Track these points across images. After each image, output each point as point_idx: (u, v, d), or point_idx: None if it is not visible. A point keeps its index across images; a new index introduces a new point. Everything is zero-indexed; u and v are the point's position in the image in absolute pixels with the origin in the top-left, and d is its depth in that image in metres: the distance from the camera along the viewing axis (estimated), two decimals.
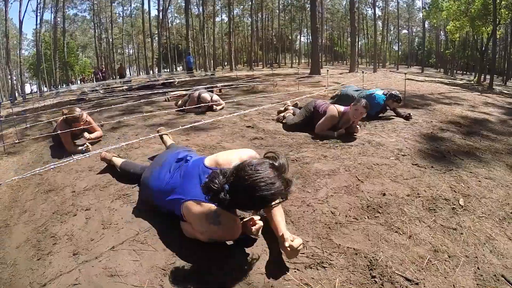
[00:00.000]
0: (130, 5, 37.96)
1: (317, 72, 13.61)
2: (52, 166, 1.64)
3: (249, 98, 5.88)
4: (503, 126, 4.14)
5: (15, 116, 5.83)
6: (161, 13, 31.35)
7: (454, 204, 1.88)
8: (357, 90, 4.84)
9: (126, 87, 9.86)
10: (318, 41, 15.51)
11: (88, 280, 1.28)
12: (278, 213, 1.42)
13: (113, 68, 33.63)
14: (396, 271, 1.28)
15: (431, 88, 8.31)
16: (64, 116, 3.12)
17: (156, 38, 33.03)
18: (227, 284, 1.23)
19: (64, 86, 27.61)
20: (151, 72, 33.60)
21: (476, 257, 1.45)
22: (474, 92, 7.73)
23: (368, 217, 1.70)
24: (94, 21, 33.74)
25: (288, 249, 1.22)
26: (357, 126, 3.44)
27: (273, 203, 1.16)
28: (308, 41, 38.09)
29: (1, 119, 4.74)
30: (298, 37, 47.21)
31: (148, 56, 36.19)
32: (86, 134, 3.22)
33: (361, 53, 42.91)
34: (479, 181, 2.25)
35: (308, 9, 30.45)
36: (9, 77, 24.55)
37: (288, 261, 1.33)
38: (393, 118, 4.19)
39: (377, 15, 35.09)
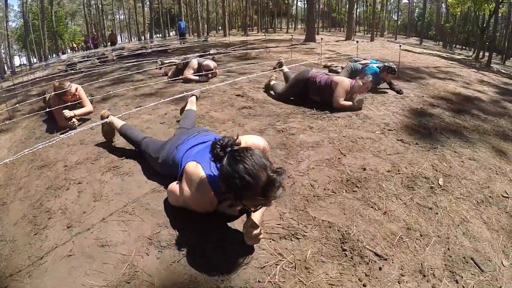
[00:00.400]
0: None
1: (313, 39, 13.35)
2: (40, 146, 1.70)
3: (241, 65, 5.82)
4: (495, 106, 4.11)
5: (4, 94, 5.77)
6: None
7: (433, 183, 1.96)
8: (356, 61, 4.88)
9: (116, 57, 9.62)
10: (314, 7, 15.03)
11: (81, 251, 1.40)
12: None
13: (104, 36, 32.54)
14: (366, 246, 1.39)
15: (427, 61, 8.20)
16: (54, 87, 3.10)
17: (148, 2, 31.70)
18: (207, 251, 1.34)
19: (54, 56, 26.85)
20: (143, 38, 32.66)
21: (448, 238, 1.52)
22: (471, 69, 7.61)
23: (346, 191, 1.80)
24: None
25: (248, 234, 1.28)
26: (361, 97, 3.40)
27: (246, 202, 1.17)
28: (305, 6, 36.67)
29: None
30: (295, 1, 45.41)
31: (139, 21, 35.01)
32: (76, 112, 3.11)
33: (359, 21, 41.57)
34: (462, 162, 2.32)
35: None
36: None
37: (264, 232, 1.42)
38: (385, 92, 4.22)
39: None
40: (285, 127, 2.77)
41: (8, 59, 25.86)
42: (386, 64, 4.34)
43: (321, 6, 41.07)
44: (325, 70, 5.18)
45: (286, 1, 42.43)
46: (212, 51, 7.13)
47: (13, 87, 6.24)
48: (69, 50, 31.72)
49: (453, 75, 6.10)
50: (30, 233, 1.58)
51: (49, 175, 2.19)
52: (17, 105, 4.35)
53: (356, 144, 2.44)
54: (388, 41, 21.30)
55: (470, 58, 15.05)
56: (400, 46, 6.19)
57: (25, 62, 32.39)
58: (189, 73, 4.59)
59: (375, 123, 2.94)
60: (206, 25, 35.96)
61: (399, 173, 2.02)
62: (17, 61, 33.80)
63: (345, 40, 15.68)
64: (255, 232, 1.27)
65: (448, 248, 1.45)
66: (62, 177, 2.12)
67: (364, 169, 2.04)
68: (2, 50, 25.26)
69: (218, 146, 1.22)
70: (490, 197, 1.92)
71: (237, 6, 44.06)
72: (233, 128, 2.78)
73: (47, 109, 3.03)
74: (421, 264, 1.34)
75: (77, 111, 3.12)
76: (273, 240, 1.39)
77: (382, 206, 1.67)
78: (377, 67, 4.41)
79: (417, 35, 39.03)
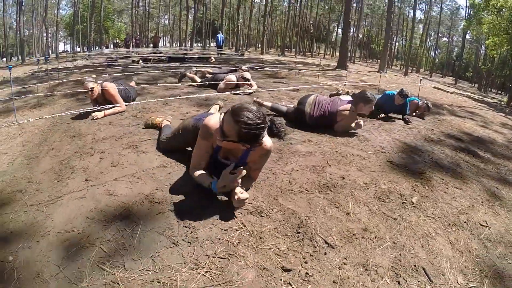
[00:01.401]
0: None
1: (344, 67, 13.65)
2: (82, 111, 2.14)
3: (268, 82, 6.23)
4: (506, 149, 4.11)
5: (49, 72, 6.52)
6: None
7: (406, 200, 2.12)
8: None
9: (156, 59, 10.42)
10: (349, 35, 15.44)
11: (91, 196, 1.78)
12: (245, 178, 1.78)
13: (147, 37, 34.67)
14: (319, 234, 1.63)
15: (455, 100, 8.25)
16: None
17: (192, 11, 33.50)
18: (189, 210, 1.68)
19: (97, 48, 28.91)
20: (183, 44, 34.44)
21: (404, 246, 1.67)
22: (498, 113, 7.58)
23: (319, 191, 2.06)
24: None
25: (235, 198, 1.60)
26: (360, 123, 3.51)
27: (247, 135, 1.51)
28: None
29: (40, 72, 5.45)
30: (336, 28, 46.25)
31: (182, 28, 36.79)
32: (101, 113, 3.35)
33: (397, 55, 41.57)
34: (447, 188, 2.45)
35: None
36: (45, 35, 25.88)
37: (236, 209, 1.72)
38: (394, 121, 4.42)
39: (418, 18, 33.68)
40: (287, 138, 3.04)
41: (53, 44, 28.05)
42: (402, 88, 4.61)
43: (360, 36, 41.39)
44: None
45: (327, 27, 43.28)
46: (243, 67, 7.68)
47: (57, 69, 7.06)
48: (112, 46, 33.86)
49: (475, 115, 6.15)
50: (54, 180, 2.00)
51: (78, 143, 2.64)
52: (58, 84, 4.99)
53: (345, 159, 2.69)
54: (422, 77, 21.17)
55: (502, 102, 14.73)
56: (420, 79, 6.38)
57: (68, 49, 35.06)
58: (224, 85, 4.92)
59: (371, 145, 3.16)
60: (246, 41, 37.38)
61: (375, 187, 2.24)
62: (61, 47, 36.61)
63: (377, 71, 15.87)
64: (243, 196, 1.59)
65: (400, 254, 1.60)
66: (88, 146, 2.56)
67: (343, 178, 2.30)
68: (49, 35, 27.33)
69: None
70: (465, 222, 2.04)
71: (279, 27, 45.50)
72: None
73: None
74: (367, 260, 1.51)
75: (108, 111, 3.40)
76: (241, 213, 1.69)
77: (348, 208, 1.91)
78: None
79: (453, 75, 38.41)
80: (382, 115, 4.55)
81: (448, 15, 38.44)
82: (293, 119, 3.76)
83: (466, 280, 1.56)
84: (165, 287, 1.22)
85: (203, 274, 1.27)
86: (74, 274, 1.28)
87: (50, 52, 22.77)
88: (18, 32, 23.22)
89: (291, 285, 1.28)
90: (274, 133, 1.73)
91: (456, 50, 43.97)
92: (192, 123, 2.16)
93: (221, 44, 17.42)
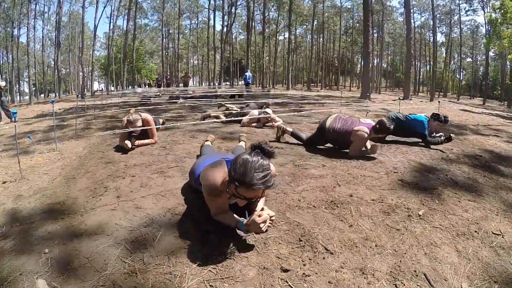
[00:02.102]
0: (197, 19, 41.73)
1: (367, 97, 13.84)
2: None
3: (291, 116, 6.59)
4: None
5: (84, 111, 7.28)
6: (225, 28, 34.00)
7: (412, 213, 2.19)
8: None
9: (183, 99, 11.24)
10: (369, 65, 15.80)
11: (121, 209, 2.09)
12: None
13: (177, 76, 37.13)
14: (321, 242, 1.76)
15: (481, 119, 8.07)
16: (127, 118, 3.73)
17: (220, 51, 35.66)
18: (203, 221, 1.89)
19: (129, 87, 31.23)
20: (212, 83, 36.40)
21: (405, 253, 1.73)
22: None
23: (325, 207, 2.20)
24: (162, 31, 37.71)
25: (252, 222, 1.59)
26: (375, 147, 3.68)
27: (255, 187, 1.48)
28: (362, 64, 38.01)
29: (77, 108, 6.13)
30: (359, 60, 47.08)
31: (210, 68, 38.73)
32: (137, 142, 3.75)
33: (422, 81, 41.08)
34: (459, 201, 2.47)
35: (371, 33, 30.47)
36: (81, 74, 28.50)
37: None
38: (413, 144, 4.44)
39: (440, 41, 33.52)
40: (302, 163, 3.25)
41: (89, 83, 30.69)
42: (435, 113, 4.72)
43: (384, 65, 41.82)
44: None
45: (351, 60, 44.25)
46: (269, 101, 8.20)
47: (92, 106, 7.83)
48: (143, 85, 36.45)
49: (501, 132, 5.99)
50: (89, 196, 2.33)
51: (111, 168, 3.03)
52: (94, 119, 5.59)
53: (355, 179, 2.82)
54: (449, 101, 20.77)
55: None
56: (439, 101, 6.41)
57: (102, 88, 38.14)
58: (247, 120, 5.40)
59: (384, 167, 3.26)
60: (273, 78, 38.92)
61: (382, 202, 2.33)
62: (95, 86, 39.93)
63: (402, 99, 15.88)
64: (261, 219, 1.56)
65: (400, 261, 1.66)
66: (121, 170, 2.93)
67: (351, 196, 2.42)
68: (85, 74, 29.96)
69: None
70: (475, 231, 2.04)
71: (304, 62, 47.05)
72: None
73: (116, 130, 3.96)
74: (365, 265, 1.60)
75: (139, 142, 3.75)
76: None
77: (352, 221, 2.02)
78: (424, 115, 4.70)
79: (481, 95, 37.04)
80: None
81: (469, 34, 37.91)
82: (313, 141, 4.01)
83: (472, 286, 1.57)
84: (175, 278, 1.42)
85: (209, 270, 1.46)
86: (99, 264, 1.54)
87: (85, 90, 24.99)
88: (56, 70, 25.83)
89: (288, 283, 1.42)
90: (266, 153, 1.70)
91: (481, 69, 42.77)
92: (195, 175, 2.13)
93: (249, 82, 18.26)
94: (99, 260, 1.57)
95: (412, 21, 36.01)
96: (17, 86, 30.87)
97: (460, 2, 30.17)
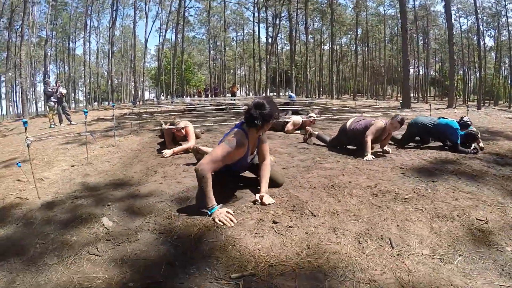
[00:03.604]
0: (243, 31, 43.51)
1: (408, 106, 13.63)
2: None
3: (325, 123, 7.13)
4: None
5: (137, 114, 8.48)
6: (270, 39, 35.18)
7: (399, 197, 2.49)
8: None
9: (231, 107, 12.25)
10: (409, 74, 15.51)
11: (166, 183, 2.86)
12: (265, 175, 2.50)
13: (225, 87, 38.99)
14: (309, 209, 2.25)
15: None
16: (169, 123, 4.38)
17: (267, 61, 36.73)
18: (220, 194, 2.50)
19: (178, 97, 33.57)
20: (258, 94, 37.63)
21: (378, 223, 2.03)
22: None
23: (323, 189, 2.68)
24: (209, 43, 40.00)
25: (263, 201, 2.28)
26: (388, 149, 4.16)
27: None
28: (416, 73, 36.34)
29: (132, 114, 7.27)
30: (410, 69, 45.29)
31: (257, 79, 40.10)
32: (170, 151, 4.10)
33: (474, 89, 38.09)
34: (453, 192, 2.65)
35: (417, 39, 29.39)
36: (133, 84, 31.46)
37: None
38: (434, 148, 4.57)
39: (489, 46, 30.93)
40: (319, 160, 3.79)
41: (140, 92, 33.61)
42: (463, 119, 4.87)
43: (432, 73, 39.65)
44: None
45: (398, 69, 42.87)
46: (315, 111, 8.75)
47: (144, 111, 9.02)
48: (194, 95, 38.82)
49: None
50: (142, 176, 3.16)
51: (161, 159, 3.89)
52: (146, 122, 6.61)
53: (361, 172, 3.25)
54: (499, 109, 19.29)
55: None
56: (468, 108, 6.36)
57: (152, 98, 41.30)
58: (291, 127, 5.93)
59: (393, 163, 3.61)
60: (319, 88, 39.13)
61: (375, 188, 2.73)
62: (146, 95, 43.46)
63: (447, 107, 15.25)
64: (269, 201, 2.30)
65: (371, 227, 1.97)
66: (168, 160, 3.79)
67: (350, 182, 2.86)
68: (137, 84, 32.78)
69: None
70: (457, 215, 2.18)
71: (351, 72, 46.51)
72: (286, 158, 3.94)
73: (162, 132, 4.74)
74: (339, 226, 1.98)
75: (176, 149, 4.17)
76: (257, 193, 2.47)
77: (341, 198, 2.48)
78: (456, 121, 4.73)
79: None
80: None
81: None
82: (336, 142, 4.54)
83: (433, 253, 1.73)
84: (196, 220, 2.05)
85: (219, 220, 2.04)
86: (146, 211, 2.27)
87: (137, 99, 27.49)
88: (110, 81, 28.86)
89: (274, 230, 1.96)
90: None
91: None
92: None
93: (293, 98, 19.39)
94: (146, 209, 2.29)
95: (458, 25, 34.09)
96: (73, 94, 34.93)
97: (507, 2, 27.77)
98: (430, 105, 11.66)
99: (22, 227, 2.19)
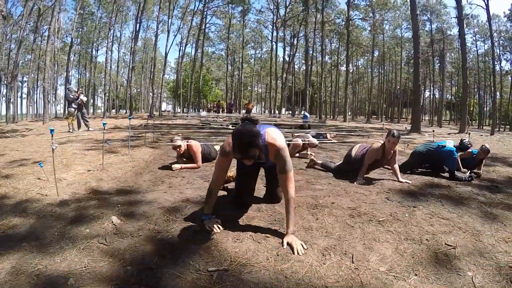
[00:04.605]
0: (261, 49, 44.74)
1: (417, 130, 13.73)
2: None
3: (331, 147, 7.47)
4: None
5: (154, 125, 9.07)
6: (288, 58, 36.01)
7: (373, 219, 2.71)
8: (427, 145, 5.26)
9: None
10: (420, 98, 15.73)
11: (170, 193, 3.29)
12: (291, 214, 2.35)
13: (241, 103, 39.82)
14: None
15: None
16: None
17: (281, 81, 37.55)
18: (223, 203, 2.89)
19: (195, 111, 34.55)
20: (272, 112, 38.27)
21: (347, 240, 2.28)
22: None
23: (306, 207, 2.99)
24: (228, 59, 41.21)
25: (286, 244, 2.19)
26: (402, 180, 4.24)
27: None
28: (432, 96, 36.22)
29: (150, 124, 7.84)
30: (424, 92, 45.12)
31: (273, 96, 40.78)
32: (178, 166, 4.52)
33: (489, 114, 37.56)
34: (430, 217, 2.82)
35: (432, 62, 29.51)
36: (151, 95, 32.66)
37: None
38: (437, 176, 4.70)
39: (506, 70, 30.62)
40: (313, 181, 4.12)
41: (157, 104, 34.79)
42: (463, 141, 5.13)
43: (448, 96, 39.33)
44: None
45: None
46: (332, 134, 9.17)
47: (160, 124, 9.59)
48: (208, 110, 39.71)
49: None
50: (150, 185, 3.61)
51: (169, 171, 4.35)
52: (162, 135, 7.14)
53: (347, 194, 3.54)
54: None
55: None
56: (468, 134, 6.56)
57: (169, 109, 42.37)
58: (291, 150, 5.94)
59: (381, 187, 3.88)
60: (334, 109, 39.35)
61: (355, 210, 3.01)
62: (163, 106, 44.72)
63: (459, 132, 15.24)
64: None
65: (338, 243, 2.20)
66: (176, 173, 4.25)
67: (333, 203, 3.17)
68: (155, 95, 33.94)
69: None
70: (426, 240, 2.33)
71: (367, 93, 46.83)
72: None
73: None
74: (310, 240, 2.23)
75: (185, 165, 4.56)
76: (251, 210, 2.84)
77: (320, 217, 2.77)
78: (453, 145, 4.82)
79: None
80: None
81: None
82: (341, 169, 4.66)
83: (390, 270, 1.90)
84: (191, 227, 2.42)
85: (208, 226, 2.40)
86: (149, 214, 2.69)
87: (154, 110, 28.41)
88: (129, 90, 30.09)
89: (252, 238, 2.30)
90: (253, 120, 2.26)
91: None
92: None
93: (307, 118, 20.08)
94: (149, 213, 2.71)
95: (475, 49, 33.98)
96: (92, 100, 36.46)
97: None
98: (441, 128, 11.80)
99: (43, 218, 2.63)
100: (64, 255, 1.99)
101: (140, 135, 8.53)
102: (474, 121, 39.10)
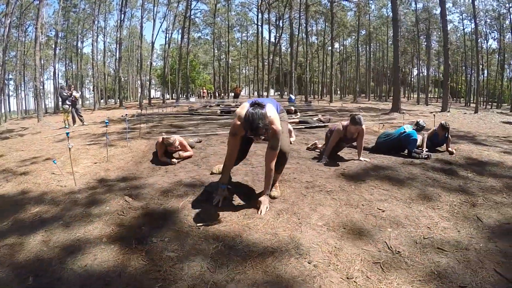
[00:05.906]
0: (247, 32, 44.72)
1: (397, 110, 14.52)
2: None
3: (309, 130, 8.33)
4: (507, 170, 4.48)
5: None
6: (274, 39, 36.33)
7: (323, 189, 3.52)
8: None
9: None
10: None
11: (167, 176, 4.15)
12: (268, 180, 3.08)
13: (230, 87, 40.16)
14: (255, 194, 3.49)
15: (504, 131, 8.76)
16: (161, 139, 4.80)
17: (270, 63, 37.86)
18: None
19: (184, 96, 34.93)
20: (260, 94, 38.74)
21: (294, 202, 3.12)
22: None
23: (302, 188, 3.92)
24: (214, 44, 41.24)
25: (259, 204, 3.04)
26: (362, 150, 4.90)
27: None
28: (421, 74, 37.15)
29: (143, 115, 8.67)
30: (411, 70, 45.94)
31: (260, 79, 41.24)
32: (180, 153, 4.98)
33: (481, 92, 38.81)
34: (373, 189, 3.49)
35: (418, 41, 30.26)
36: (139, 82, 32.97)
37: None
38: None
39: (491, 48, 31.72)
40: (290, 161, 4.84)
41: (146, 91, 35.14)
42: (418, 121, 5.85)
43: (435, 74, 40.33)
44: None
45: (402, 70, 43.80)
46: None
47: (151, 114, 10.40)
48: (198, 96, 39.88)
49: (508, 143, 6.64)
50: (150, 171, 4.48)
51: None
52: (155, 126, 7.96)
53: (309, 170, 4.33)
54: (499, 113, 20.07)
55: None
56: (435, 112, 7.43)
57: (158, 96, 42.53)
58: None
59: (341, 166, 4.54)
60: (323, 89, 40.08)
61: (310, 183, 3.82)
62: (152, 93, 45.02)
63: (441, 111, 15.97)
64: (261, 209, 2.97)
65: (291, 207, 3.03)
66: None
67: (295, 178, 4.02)
68: (143, 82, 34.13)
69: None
70: (362, 205, 3.05)
71: (355, 72, 47.36)
72: (260, 159, 5.04)
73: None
74: (269, 205, 3.17)
75: (182, 153, 5.02)
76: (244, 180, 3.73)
77: (281, 189, 3.70)
78: (412, 129, 5.34)
79: None
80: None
81: None
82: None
83: (325, 225, 2.71)
84: (180, 199, 3.32)
85: (216, 196, 3.31)
86: (150, 195, 3.57)
87: (142, 98, 28.86)
88: (118, 81, 30.46)
89: (233, 203, 3.20)
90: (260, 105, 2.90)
91: None
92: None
93: (293, 101, 20.98)
94: (152, 193, 3.60)
95: (462, 27, 34.76)
96: (80, 92, 36.53)
97: (510, 5, 28.47)
98: (427, 106, 12.38)
99: (68, 203, 3.40)
100: (94, 225, 2.85)
101: (134, 126, 9.31)
102: (462, 99, 40.31)
